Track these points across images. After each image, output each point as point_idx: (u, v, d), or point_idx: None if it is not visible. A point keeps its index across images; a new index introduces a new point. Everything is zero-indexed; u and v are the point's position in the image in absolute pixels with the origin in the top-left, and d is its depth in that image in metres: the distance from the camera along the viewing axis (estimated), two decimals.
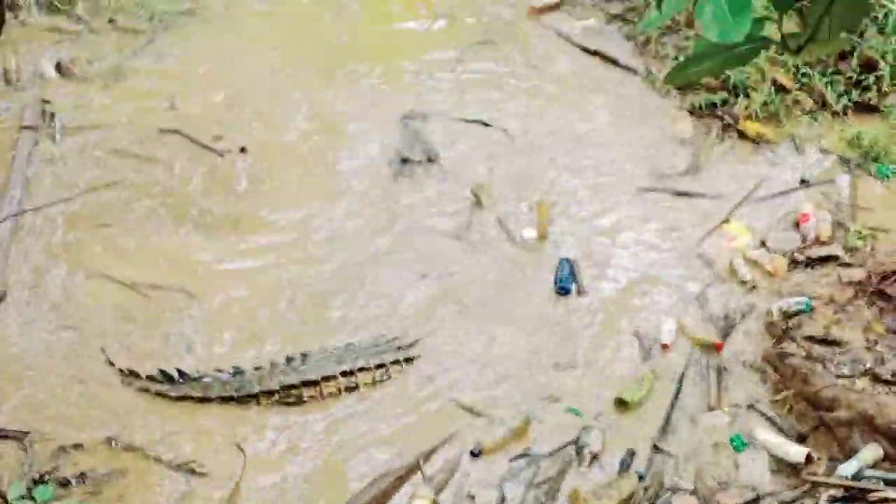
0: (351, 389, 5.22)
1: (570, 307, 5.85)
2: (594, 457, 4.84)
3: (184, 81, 7.60)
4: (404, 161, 6.81)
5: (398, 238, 6.30)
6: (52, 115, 7.10)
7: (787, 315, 5.46)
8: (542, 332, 5.68)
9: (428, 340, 5.59)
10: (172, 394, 5.21)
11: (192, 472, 4.86)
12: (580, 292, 5.91)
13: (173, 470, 4.87)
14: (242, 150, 6.76)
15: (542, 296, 5.93)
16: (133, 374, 5.32)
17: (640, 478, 4.58)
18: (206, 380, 5.26)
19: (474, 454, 4.87)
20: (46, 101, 7.23)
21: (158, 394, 5.22)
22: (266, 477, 4.86)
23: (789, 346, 5.26)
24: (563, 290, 5.97)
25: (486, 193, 6.52)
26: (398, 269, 6.07)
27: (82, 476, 4.80)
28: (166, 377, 5.27)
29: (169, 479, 4.84)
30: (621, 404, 5.17)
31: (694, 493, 4.50)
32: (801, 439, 4.77)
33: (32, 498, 4.63)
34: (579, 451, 4.86)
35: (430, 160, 6.79)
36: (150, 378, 5.29)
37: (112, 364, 5.37)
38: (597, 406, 5.20)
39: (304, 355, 5.39)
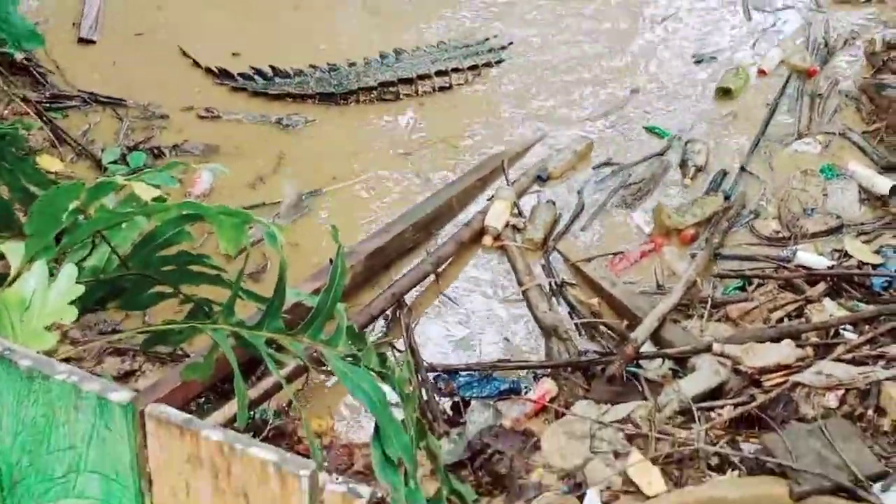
0: (444, 89, 5.26)
1: None
2: (699, 169, 4.80)
3: None
4: None
5: None
6: None
7: (889, 46, 5.31)
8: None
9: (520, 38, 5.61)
10: (271, 91, 5.21)
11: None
12: None
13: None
14: None
15: None
16: (225, 72, 5.31)
17: (727, 198, 4.59)
18: (303, 76, 5.27)
19: (542, 179, 4.82)
20: None
21: (255, 93, 5.22)
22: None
23: (888, 78, 5.15)
24: None
25: None
26: None
27: (175, 147, 4.92)
28: (261, 75, 5.27)
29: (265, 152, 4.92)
30: (724, 93, 5.23)
31: (777, 217, 4.54)
32: (890, 170, 4.74)
33: (126, 163, 4.75)
34: (683, 164, 4.84)
35: None
36: (244, 76, 5.29)
37: (198, 64, 5.36)
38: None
39: (398, 53, 5.38)
